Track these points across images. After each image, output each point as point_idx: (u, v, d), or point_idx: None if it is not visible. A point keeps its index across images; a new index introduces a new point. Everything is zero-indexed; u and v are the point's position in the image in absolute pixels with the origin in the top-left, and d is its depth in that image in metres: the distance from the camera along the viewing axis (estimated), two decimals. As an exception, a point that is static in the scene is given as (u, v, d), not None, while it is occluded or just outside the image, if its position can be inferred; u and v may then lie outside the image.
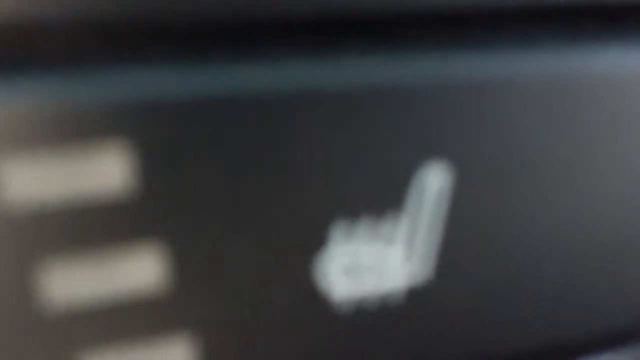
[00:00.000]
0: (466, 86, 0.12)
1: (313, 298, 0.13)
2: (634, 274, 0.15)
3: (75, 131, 0.10)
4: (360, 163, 0.12)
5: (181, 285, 0.12)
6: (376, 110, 0.12)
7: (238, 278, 0.12)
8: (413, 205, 0.13)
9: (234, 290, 0.12)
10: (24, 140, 0.10)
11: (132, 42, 0.11)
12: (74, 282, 0.11)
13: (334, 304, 0.13)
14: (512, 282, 0.14)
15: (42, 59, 0.10)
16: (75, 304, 0.11)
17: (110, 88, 0.10)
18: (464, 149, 0.13)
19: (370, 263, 0.13)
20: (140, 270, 0.11)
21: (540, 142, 0.13)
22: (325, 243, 0.12)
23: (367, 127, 0.12)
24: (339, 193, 0.12)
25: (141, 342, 0.12)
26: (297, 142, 0.12)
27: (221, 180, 0.11)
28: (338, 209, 0.12)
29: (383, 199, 0.12)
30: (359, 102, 0.12)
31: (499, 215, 0.13)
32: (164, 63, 0.11)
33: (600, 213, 0.14)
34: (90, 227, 0.11)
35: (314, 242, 0.12)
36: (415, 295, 0.13)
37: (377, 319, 0.13)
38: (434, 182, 0.13)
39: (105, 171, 0.11)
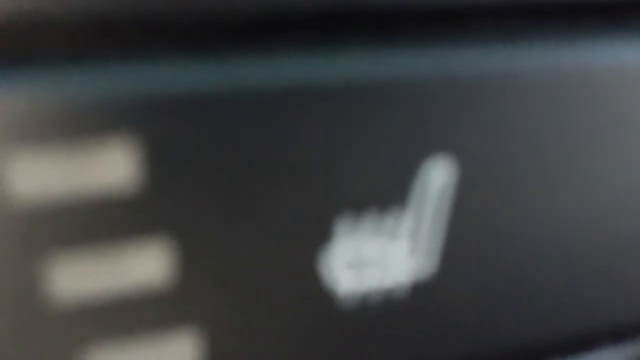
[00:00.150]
0: (470, 81, 0.12)
1: (317, 292, 0.13)
2: (636, 270, 0.15)
3: (81, 126, 0.10)
4: (365, 158, 0.12)
5: (186, 280, 0.12)
6: (381, 106, 0.12)
7: (243, 273, 0.12)
8: (417, 200, 0.13)
9: (238, 285, 0.12)
10: (29, 135, 0.10)
11: (136, 37, 0.11)
12: (80, 277, 0.11)
13: (338, 298, 0.13)
14: (514, 278, 0.14)
15: (46, 54, 0.10)
16: (81, 298, 0.11)
17: (116, 83, 0.10)
18: (467, 144, 0.13)
19: (374, 258, 0.13)
20: (145, 265, 0.11)
21: (544, 138, 0.13)
22: (330, 238, 0.12)
23: (372, 122, 0.12)
24: (343, 188, 0.12)
25: (147, 337, 0.12)
26: (302, 137, 0.12)
27: (225, 175, 0.11)
28: (342, 204, 0.12)
29: (387, 194, 0.12)
30: (364, 97, 0.12)
31: (503, 211, 0.13)
32: (169, 58, 0.11)
33: (603, 210, 0.14)
34: (95, 222, 0.11)
35: (319, 237, 0.12)
36: (419, 290, 0.13)
37: (380, 313, 0.13)
38: (438, 177, 0.13)
39: (111, 166, 0.11)
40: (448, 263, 0.13)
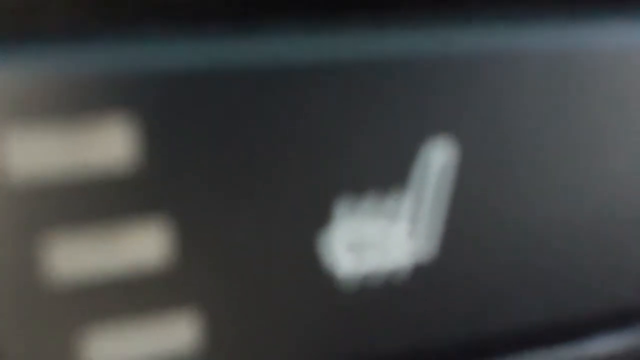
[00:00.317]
0: (471, 62, 0.12)
1: (317, 274, 0.13)
2: (637, 255, 0.15)
3: (79, 104, 0.10)
4: (365, 139, 0.12)
5: (184, 260, 0.12)
6: (381, 86, 0.12)
7: (242, 253, 0.12)
8: (417, 181, 0.13)
9: (238, 266, 0.12)
10: (27, 112, 0.10)
11: (135, 14, 0.11)
12: (77, 256, 0.11)
13: (337, 280, 0.13)
14: (514, 261, 0.14)
15: (44, 30, 0.10)
16: (78, 278, 0.11)
17: (114, 60, 0.10)
18: (468, 126, 0.12)
19: (374, 240, 0.13)
20: (144, 245, 0.11)
21: (544, 119, 0.13)
22: (330, 220, 0.12)
23: (372, 103, 0.12)
24: (343, 169, 0.12)
25: (145, 317, 0.12)
26: (301, 119, 0.11)
27: (224, 155, 0.11)
28: (342, 185, 0.12)
29: (387, 176, 0.12)
30: (364, 78, 0.12)
31: (503, 193, 0.13)
32: (169, 35, 0.11)
33: (605, 192, 0.14)
34: (93, 201, 0.11)
35: (319, 219, 0.12)
36: (419, 272, 0.13)
37: (380, 295, 0.13)
38: (438, 158, 0.13)
39: (109, 144, 0.11)
40: (448, 245, 0.13)
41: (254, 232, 0.12)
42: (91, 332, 0.11)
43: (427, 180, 0.13)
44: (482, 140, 0.13)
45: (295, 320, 0.13)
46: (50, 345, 0.11)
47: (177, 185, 0.11)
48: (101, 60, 0.10)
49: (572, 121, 0.13)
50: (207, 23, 0.11)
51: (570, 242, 0.14)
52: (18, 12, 0.10)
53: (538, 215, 0.14)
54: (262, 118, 0.11)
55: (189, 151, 0.11)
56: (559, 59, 0.13)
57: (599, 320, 0.16)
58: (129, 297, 0.11)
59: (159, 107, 0.11)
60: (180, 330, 0.12)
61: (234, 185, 0.11)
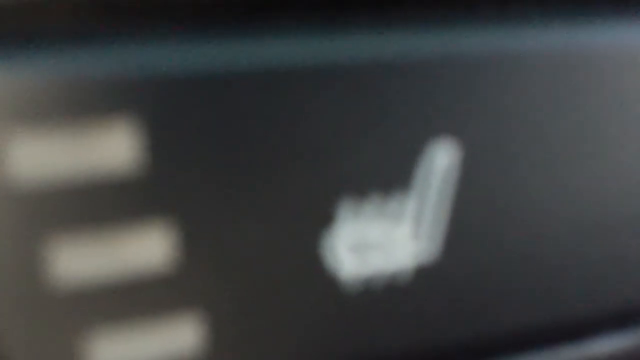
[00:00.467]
0: (474, 63, 0.12)
1: (320, 276, 0.13)
2: (641, 254, 0.15)
3: (83, 107, 0.10)
4: (368, 140, 0.12)
5: (187, 263, 0.12)
6: (384, 87, 0.12)
7: (246, 256, 0.12)
8: (421, 183, 0.13)
9: (241, 268, 0.12)
10: (30, 115, 0.10)
11: (139, 16, 0.11)
12: (81, 259, 0.11)
13: (341, 282, 0.13)
14: (518, 261, 0.14)
15: (49, 33, 0.10)
16: (82, 280, 0.11)
17: (118, 63, 0.10)
18: (472, 127, 0.12)
19: (377, 241, 0.13)
20: (147, 248, 0.11)
21: (548, 120, 0.13)
22: (333, 221, 0.12)
23: (375, 104, 0.12)
24: (346, 171, 0.12)
25: (149, 319, 0.12)
26: (304, 120, 0.11)
27: (228, 157, 0.11)
28: (345, 186, 0.12)
29: (391, 176, 0.12)
30: (367, 79, 0.12)
31: (506, 194, 0.13)
32: (173, 37, 0.11)
33: (609, 192, 0.14)
34: (97, 204, 0.11)
35: (322, 220, 0.12)
36: (422, 274, 0.13)
37: (383, 297, 0.13)
38: (441, 159, 0.13)
39: (113, 147, 0.11)
40: (451, 247, 0.13)
41: (257, 234, 0.12)
42: (94, 335, 0.11)
43: (431, 182, 0.13)
44: (485, 142, 0.13)
45: (298, 322, 0.13)
46: (54, 348, 0.11)
47: (181, 187, 0.11)
48: (105, 63, 0.10)
49: (576, 122, 0.13)
50: (210, 25, 0.11)
51: (573, 243, 0.14)
52: (22, 14, 0.10)
53: (541, 216, 0.14)
54: (266, 120, 0.11)
55: (192, 153, 0.11)
56: (563, 60, 0.13)
57: (602, 320, 0.16)
58: (132, 300, 0.11)
59: (163, 110, 0.11)
60: (184, 332, 0.12)
61: (237, 188, 0.11)
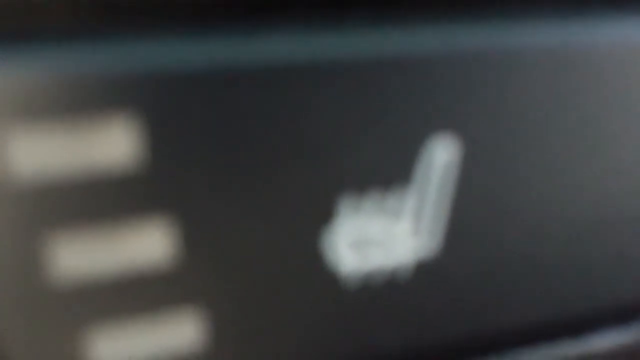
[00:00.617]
0: (474, 58, 0.12)
1: (320, 272, 0.13)
2: (640, 250, 0.15)
3: (82, 103, 0.10)
4: (368, 136, 0.12)
5: (187, 259, 0.12)
6: (384, 83, 0.12)
7: (246, 252, 0.12)
8: (421, 179, 0.13)
9: (241, 264, 0.12)
10: (30, 112, 0.10)
11: (138, 13, 0.11)
12: (82, 255, 0.11)
13: (341, 278, 0.13)
14: (518, 257, 0.14)
15: (49, 29, 0.10)
16: (82, 277, 0.11)
17: (117, 59, 0.10)
18: (471, 122, 0.12)
19: (377, 237, 0.13)
20: (147, 244, 0.11)
21: (548, 115, 0.13)
22: (333, 217, 0.12)
23: (375, 99, 0.12)
24: (346, 167, 0.12)
25: (149, 316, 0.12)
26: (304, 115, 0.11)
27: (228, 153, 0.11)
28: (345, 182, 0.12)
29: (391, 172, 0.12)
30: (366, 75, 0.12)
31: (506, 189, 0.13)
32: (173, 33, 0.11)
33: (609, 188, 0.14)
34: (97, 200, 0.11)
35: (322, 216, 0.12)
36: (422, 270, 0.13)
37: (383, 293, 0.13)
38: (441, 155, 0.13)
39: (112, 143, 0.11)
40: (451, 243, 0.13)
41: (257, 230, 0.12)
42: (94, 332, 0.11)
43: (431, 178, 0.13)
44: (485, 138, 0.13)
45: (298, 318, 0.13)
46: (54, 345, 0.11)
47: (181, 183, 0.11)
48: (104, 60, 0.10)
49: (576, 118, 0.13)
50: (209, 22, 0.11)
51: (573, 238, 0.14)
52: (23, 12, 0.10)
53: (541, 212, 0.14)
54: (265, 116, 0.11)
55: (191, 150, 0.11)
56: (564, 56, 0.13)
57: (601, 316, 0.16)
58: (132, 296, 0.11)
59: (162, 106, 0.11)
60: (184, 328, 0.12)
61: (237, 184, 0.11)
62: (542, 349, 0.16)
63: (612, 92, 0.13)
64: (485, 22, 0.12)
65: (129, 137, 0.11)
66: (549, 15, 0.13)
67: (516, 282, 0.14)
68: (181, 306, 0.12)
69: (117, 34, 0.10)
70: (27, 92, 0.10)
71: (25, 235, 0.11)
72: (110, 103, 0.10)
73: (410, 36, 0.12)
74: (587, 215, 0.14)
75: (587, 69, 0.13)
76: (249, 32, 0.11)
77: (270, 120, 0.11)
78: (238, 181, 0.11)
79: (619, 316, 0.16)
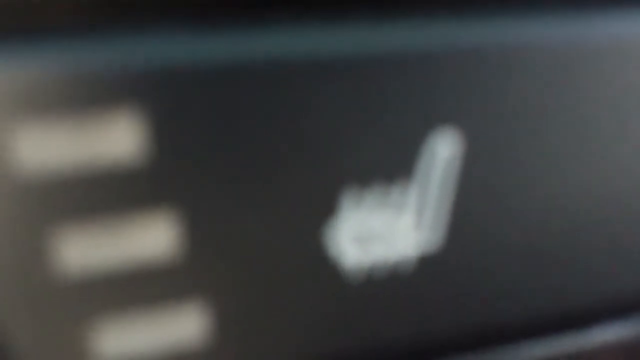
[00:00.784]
0: (476, 53, 0.12)
1: (323, 266, 0.13)
2: (640, 244, 0.15)
3: (87, 98, 0.10)
4: (371, 131, 0.12)
5: (192, 252, 0.12)
6: (386, 78, 0.12)
7: (249, 245, 0.12)
8: (423, 173, 0.13)
9: (245, 258, 0.12)
10: (35, 107, 0.10)
11: (143, 8, 0.11)
12: (87, 249, 0.11)
13: (344, 271, 0.13)
14: (520, 251, 0.14)
15: (54, 25, 0.10)
16: (88, 270, 0.11)
17: (122, 54, 0.10)
18: (473, 117, 0.12)
19: (379, 231, 0.13)
20: (152, 237, 0.11)
21: (550, 109, 0.13)
22: (336, 211, 0.12)
23: (377, 94, 0.12)
24: (349, 161, 0.12)
25: (154, 309, 0.12)
26: (307, 110, 0.11)
27: (231, 148, 0.11)
28: (348, 177, 0.12)
29: (393, 167, 0.12)
30: (369, 70, 0.12)
31: (508, 184, 0.13)
32: (178, 29, 0.11)
33: (611, 182, 0.14)
34: (102, 194, 0.11)
35: (325, 210, 0.12)
36: (425, 263, 0.13)
37: (386, 287, 0.13)
38: (443, 149, 0.13)
39: (118, 137, 0.11)
40: (453, 237, 0.13)
41: (261, 224, 0.12)
42: (100, 324, 0.12)
43: (433, 172, 0.13)
44: (487, 132, 0.13)
45: (301, 311, 0.13)
46: (60, 337, 0.11)
47: (185, 178, 0.11)
48: (108, 56, 0.10)
49: (578, 113, 0.13)
50: (211, 18, 0.11)
51: (575, 233, 0.14)
52: (26, 8, 0.10)
53: (542, 206, 0.14)
54: (269, 111, 0.11)
55: (195, 144, 0.11)
56: (565, 52, 0.13)
57: (602, 310, 0.16)
58: (137, 290, 0.12)
59: (166, 101, 0.11)
60: (188, 321, 0.12)
61: (241, 178, 0.12)
62: (543, 342, 0.16)
63: (613, 88, 0.13)
64: (487, 17, 0.12)
65: (132, 132, 0.11)
66: (550, 11, 0.13)
67: (517, 276, 0.14)
68: (185, 299, 0.12)
69: (121, 30, 0.11)
70: (32, 88, 0.10)
71: (31, 229, 0.11)
72: (114, 98, 0.10)
73: (412, 32, 0.12)
74: (588, 210, 0.14)
75: (589, 64, 0.13)
76: (252, 28, 0.11)
77: (274, 115, 0.11)
78: (241, 176, 0.11)
79: (619, 310, 0.16)
